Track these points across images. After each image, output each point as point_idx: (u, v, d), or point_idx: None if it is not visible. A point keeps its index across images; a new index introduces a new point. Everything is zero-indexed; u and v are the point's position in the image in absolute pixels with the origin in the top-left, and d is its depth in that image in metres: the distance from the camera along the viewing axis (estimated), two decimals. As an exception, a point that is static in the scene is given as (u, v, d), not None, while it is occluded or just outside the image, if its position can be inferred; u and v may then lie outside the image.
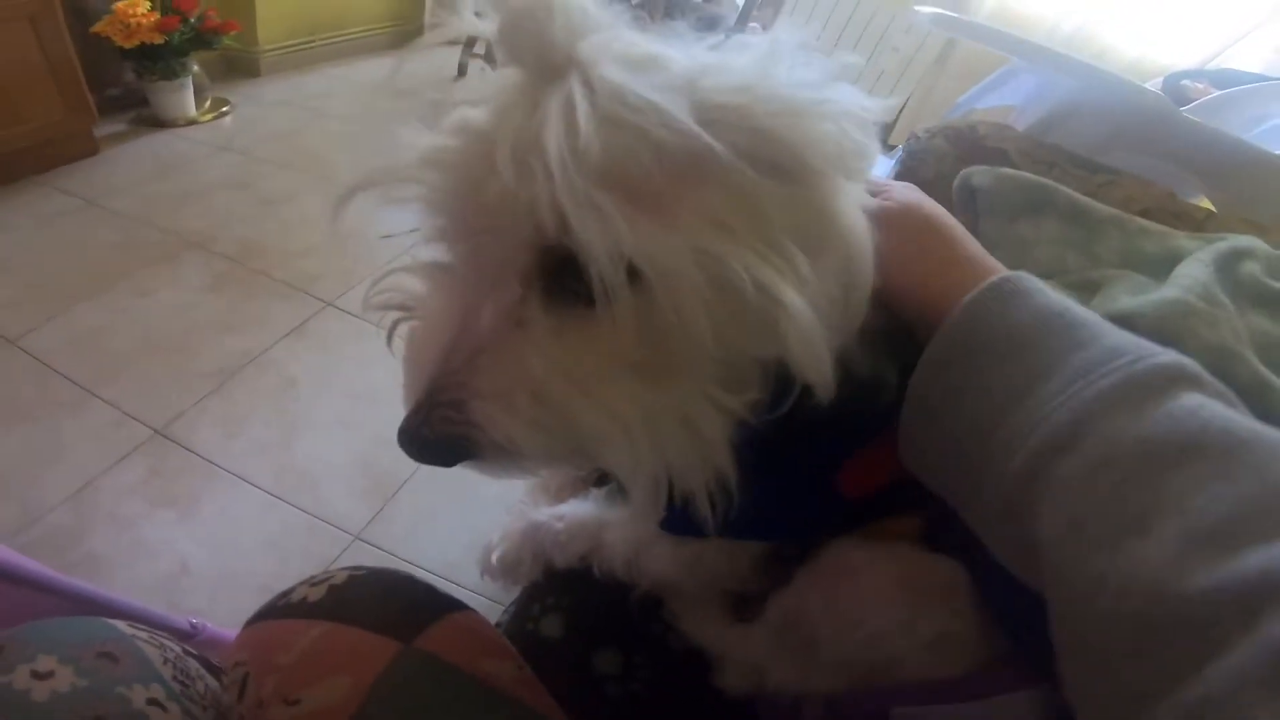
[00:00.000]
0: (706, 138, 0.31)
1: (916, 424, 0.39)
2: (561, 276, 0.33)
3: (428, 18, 3.45)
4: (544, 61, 0.32)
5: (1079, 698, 0.30)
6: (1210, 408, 0.30)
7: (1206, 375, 0.33)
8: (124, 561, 1.04)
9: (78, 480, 1.14)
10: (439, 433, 0.35)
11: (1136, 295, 0.55)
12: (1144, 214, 0.67)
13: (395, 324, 0.41)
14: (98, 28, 2.03)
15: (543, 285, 0.35)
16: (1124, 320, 0.50)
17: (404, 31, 3.42)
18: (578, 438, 0.35)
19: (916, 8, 1.08)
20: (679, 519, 0.48)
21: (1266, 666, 0.23)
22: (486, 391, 0.35)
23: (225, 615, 0.82)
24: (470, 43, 2.96)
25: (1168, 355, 0.33)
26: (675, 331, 0.33)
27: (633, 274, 0.31)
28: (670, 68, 0.33)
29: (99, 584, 0.71)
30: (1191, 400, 0.31)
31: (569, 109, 0.30)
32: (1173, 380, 0.32)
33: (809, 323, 0.33)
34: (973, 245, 0.42)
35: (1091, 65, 0.82)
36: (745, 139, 0.32)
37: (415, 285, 0.40)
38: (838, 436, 0.41)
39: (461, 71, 3.03)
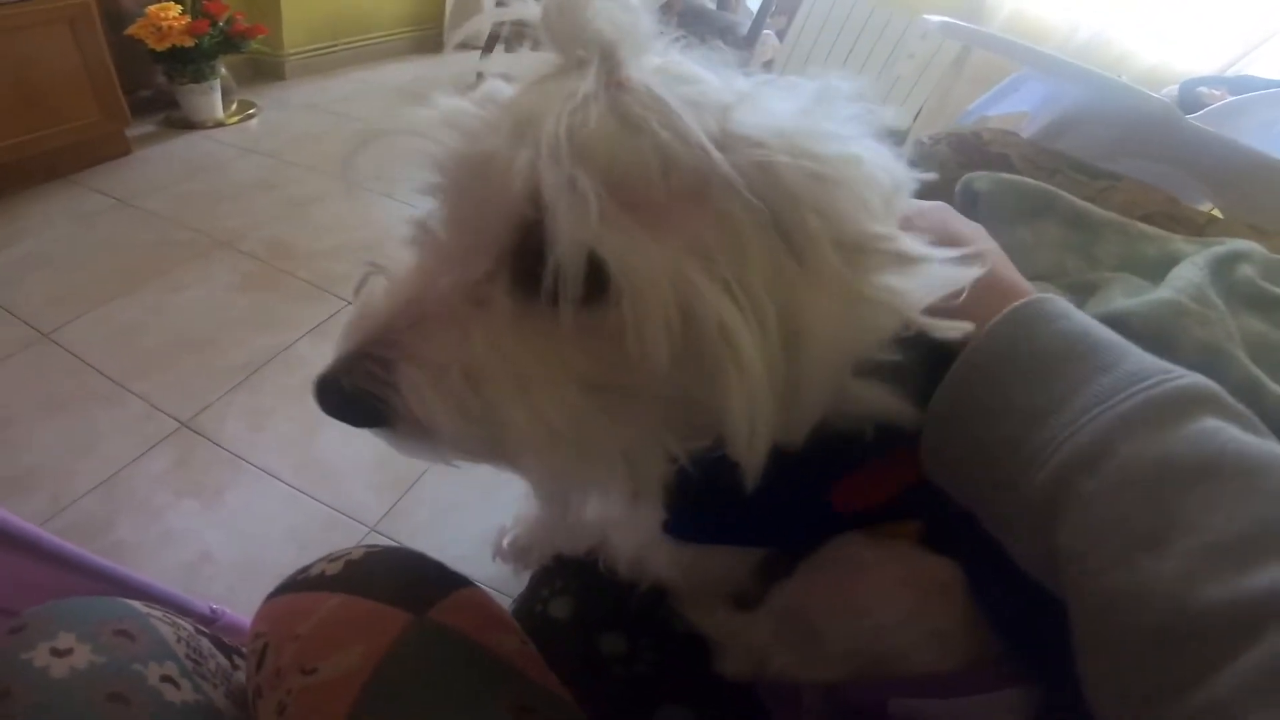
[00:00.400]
0: (716, 158, 0.30)
1: (939, 438, 0.39)
2: (537, 265, 0.31)
3: (448, 23, 3.49)
4: (578, 49, 0.32)
5: (1096, 694, 0.31)
6: (1227, 431, 0.31)
7: (1227, 397, 0.33)
8: (149, 549, 1.07)
9: (107, 470, 1.17)
10: (357, 387, 0.34)
11: (1131, 296, 0.56)
12: (1145, 219, 0.68)
13: (365, 278, 0.39)
14: (131, 30, 2.08)
15: (516, 269, 0.33)
16: (1118, 320, 0.51)
17: (425, 36, 3.46)
18: (500, 437, 0.33)
19: (926, 16, 1.10)
20: (681, 525, 0.50)
21: (1267, 675, 0.25)
22: (421, 358, 0.33)
23: (245, 603, 0.84)
24: (489, 47, 3.00)
25: (1189, 378, 0.33)
26: (633, 353, 0.31)
27: (602, 281, 0.30)
28: (704, 88, 0.32)
29: (125, 569, 0.73)
30: (1210, 424, 0.32)
31: (582, 92, 0.30)
32: (1193, 403, 0.33)
33: (757, 387, 0.31)
34: (1003, 266, 0.42)
35: (1095, 72, 0.83)
36: (755, 175, 0.31)
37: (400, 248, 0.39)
38: (829, 460, 0.40)
39: (480, 76, 3.06)
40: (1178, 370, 0.34)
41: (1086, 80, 0.86)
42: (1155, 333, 0.51)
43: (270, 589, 0.49)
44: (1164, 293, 0.54)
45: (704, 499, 0.48)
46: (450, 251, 0.35)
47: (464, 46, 3.52)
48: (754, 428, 0.32)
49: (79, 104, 1.88)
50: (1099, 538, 0.31)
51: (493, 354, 0.33)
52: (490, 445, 0.34)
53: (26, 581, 0.64)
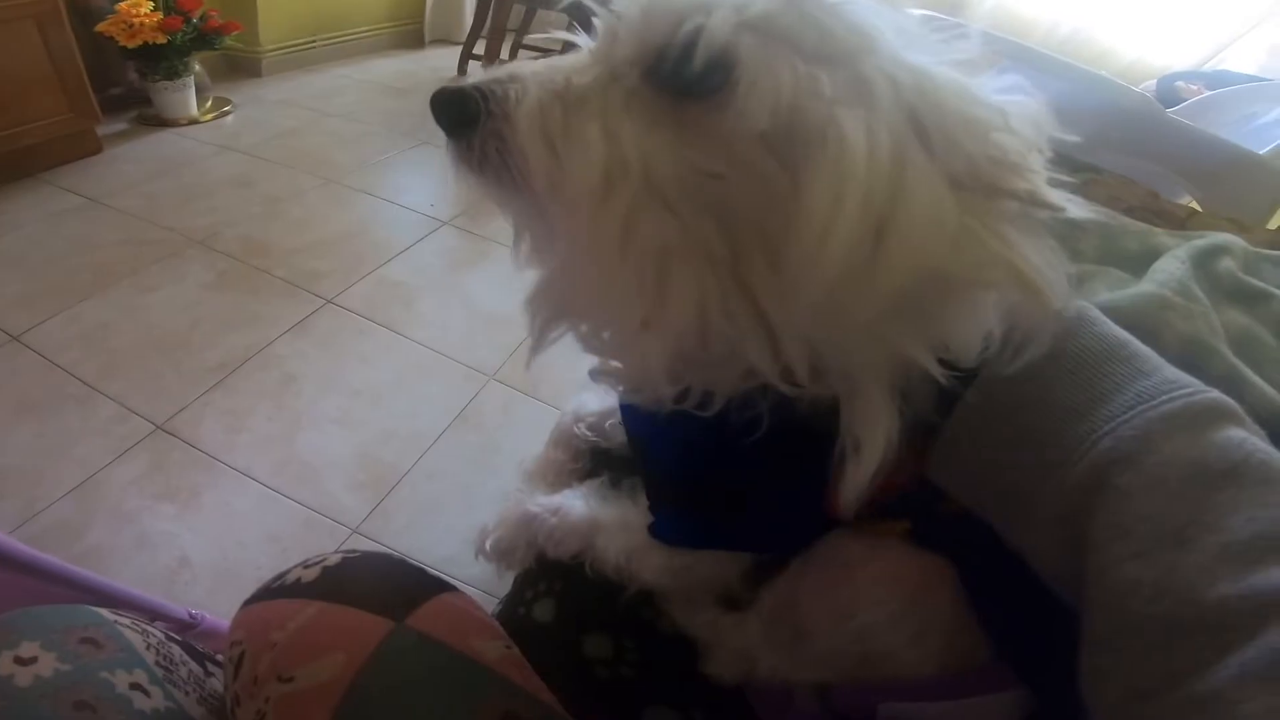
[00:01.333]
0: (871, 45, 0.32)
1: (969, 433, 0.39)
2: (674, 66, 0.34)
3: (428, 19, 3.47)
4: None
5: (1093, 689, 0.32)
6: (1252, 442, 0.34)
7: (1246, 416, 0.36)
8: (126, 554, 1.05)
9: (81, 474, 1.15)
10: (477, 86, 0.37)
11: (1114, 290, 0.56)
12: (1127, 212, 0.69)
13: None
14: (101, 27, 2.04)
15: (657, 65, 0.35)
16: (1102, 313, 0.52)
17: (405, 32, 3.44)
18: (565, 174, 0.35)
19: (907, 10, 1.10)
20: (671, 529, 0.50)
21: (1264, 665, 0.27)
22: (542, 81, 0.37)
23: (225, 607, 0.83)
24: (470, 44, 2.98)
25: (1216, 393, 0.36)
26: (729, 130, 0.32)
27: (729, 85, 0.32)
28: (880, 23, 0.33)
29: (101, 576, 0.72)
30: (1238, 434, 0.34)
31: None
32: (1223, 415, 0.35)
33: (849, 193, 0.30)
34: None
35: (1075, 65, 0.83)
36: (907, 80, 0.32)
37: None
38: (824, 463, 0.39)
39: (461, 71, 3.05)
40: (1204, 385, 0.36)
41: (1067, 74, 0.87)
42: (1138, 326, 0.51)
43: (250, 592, 0.49)
44: (1147, 286, 0.54)
45: (700, 503, 0.48)
46: (603, 46, 0.38)
47: (443, 42, 3.50)
48: (828, 234, 0.31)
49: (48, 102, 1.85)
50: (1128, 528, 0.32)
51: (602, 97, 0.36)
52: (551, 181, 0.36)
53: (-5, 590, 0.62)
